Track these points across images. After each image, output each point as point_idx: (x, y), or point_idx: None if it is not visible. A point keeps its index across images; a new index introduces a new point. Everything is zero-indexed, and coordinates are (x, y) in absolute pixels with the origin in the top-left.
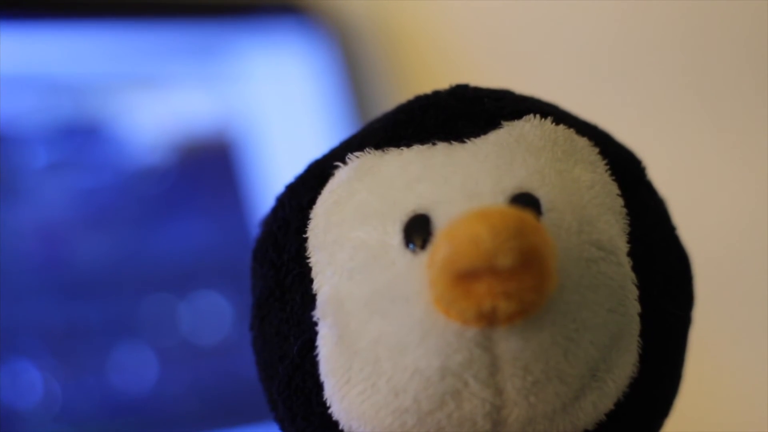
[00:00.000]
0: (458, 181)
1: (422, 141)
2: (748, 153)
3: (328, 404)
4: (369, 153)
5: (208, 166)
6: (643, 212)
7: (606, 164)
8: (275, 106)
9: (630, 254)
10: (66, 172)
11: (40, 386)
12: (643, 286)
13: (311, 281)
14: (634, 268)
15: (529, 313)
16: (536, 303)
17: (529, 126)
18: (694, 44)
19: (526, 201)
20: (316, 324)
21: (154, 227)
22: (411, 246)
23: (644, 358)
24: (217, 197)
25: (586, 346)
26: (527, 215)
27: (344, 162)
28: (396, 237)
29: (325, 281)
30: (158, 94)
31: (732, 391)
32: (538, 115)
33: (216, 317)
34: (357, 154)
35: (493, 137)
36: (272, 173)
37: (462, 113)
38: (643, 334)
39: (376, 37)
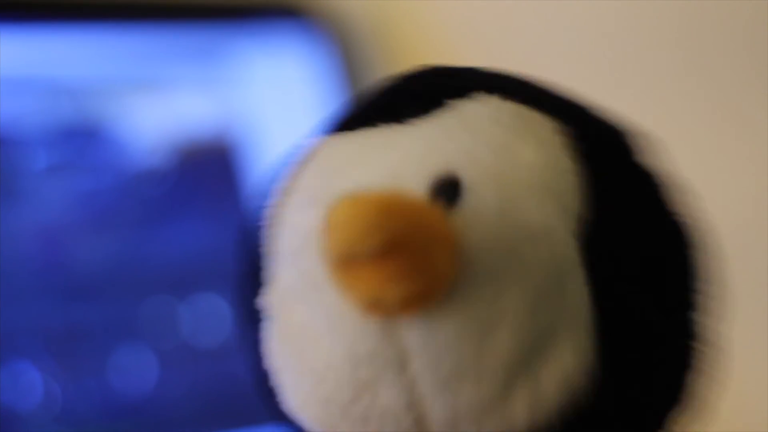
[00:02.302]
0: (388, 163)
1: (367, 124)
2: (748, 148)
3: (275, 393)
4: (319, 138)
5: (208, 168)
6: (615, 192)
7: (565, 141)
8: (275, 109)
9: (581, 236)
10: (66, 175)
11: (40, 388)
12: (600, 273)
13: (267, 263)
14: (589, 252)
15: (423, 304)
16: (424, 291)
17: (473, 104)
18: (694, 39)
19: (446, 185)
20: (260, 313)
21: (154, 229)
22: None
23: (607, 354)
24: (217, 200)
25: (505, 338)
26: (402, 200)
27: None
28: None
29: (275, 265)
30: (158, 97)
31: (732, 390)
32: (483, 92)
33: (216, 319)
34: (308, 140)
35: (434, 118)
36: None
37: (409, 94)
38: (605, 328)
39: (377, 40)
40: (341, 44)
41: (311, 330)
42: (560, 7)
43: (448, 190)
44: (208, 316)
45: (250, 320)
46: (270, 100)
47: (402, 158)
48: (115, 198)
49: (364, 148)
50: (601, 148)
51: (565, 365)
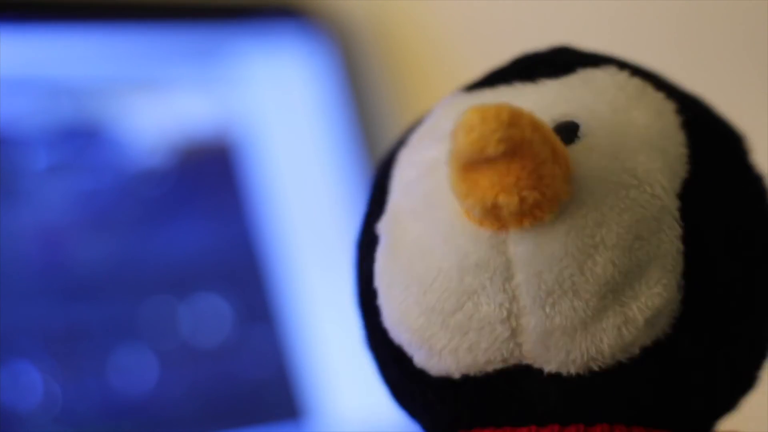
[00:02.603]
0: None
1: (505, 82)
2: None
3: (379, 311)
4: (460, 93)
5: (208, 168)
6: (713, 163)
7: (679, 120)
8: (275, 109)
9: (681, 196)
10: (66, 175)
11: (40, 388)
12: (693, 230)
13: (387, 199)
14: (685, 211)
15: (536, 217)
16: (538, 203)
17: (602, 73)
18: (693, 39)
19: (566, 125)
20: (378, 235)
21: (154, 229)
22: None
23: (690, 302)
24: (217, 200)
25: (605, 265)
26: (525, 112)
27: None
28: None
29: (392, 198)
30: (158, 97)
31: None
32: (615, 66)
33: (216, 319)
34: (451, 94)
35: (564, 79)
36: (272, 176)
37: (545, 60)
38: (691, 278)
39: (377, 41)
40: (341, 44)
41: (423, 243)
42: (560, 7)
43: (567, 131)
44: (208, 316)
45: (365, 245)
46: (270, 100)
47: (529, 106)
48: (115, 198)
49: (496, 98)
50: (710, 139)
51: (654, 301)
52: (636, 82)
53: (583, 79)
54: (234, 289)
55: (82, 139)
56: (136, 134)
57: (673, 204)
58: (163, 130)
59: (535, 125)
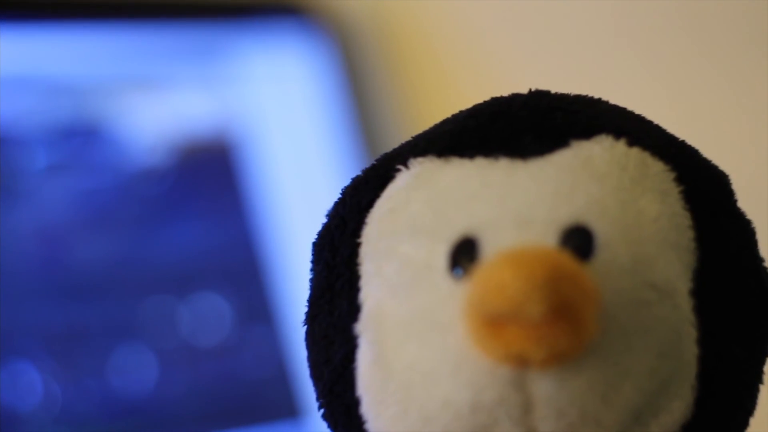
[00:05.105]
0: (513, 204)
1: (486, 153)
2: (753, 145)
3: (364, 419)
4: (431, 160)
5: (208, 167)
6: (718, 245)
7: (681, 191)
8: (275, 107)
9: (694, 292)
10: (65, 174)
11: (40, 388)
12: (705, 326)
13: (359, 290)
14: (698, 307)
15: (563, 360)
16: (569, 352)
17: (599, 148)
18: (697, 29)
19: (579, 237)
20: (357, 336)
21: (154, 229)
22: (456, 270)
23: (701, 400)
24: (217, 199)
25: (629, 392)
26: (565, 262)
27: (406, 165)
28: (442, 259)
29: (370, 293)
30: (158, 96)
31: None
32: (610, 136)
33: (216, 319)
34: (419, 159)
35: (558, 158)
36: (272, 175)
37: (531, 127)
38: (702, 375)
39: (377, 39)
40: (341, 43)
41: (425, 368)
42: (560, 8)
43: (580, 242)
44: (208, 315)
45: (337, 342)
46: (270, 98)
47: (529, 201)
48: (115, 197)
49: (484, 182)
50: (705, 198)
51: (672, 415)
52: (635, 156)
53: (579, 158)
54: (234, 289)
55: (81, 138)
56: (136, 133)
57: (688, 307)
58: (163, 128)
59: (573, 278)
